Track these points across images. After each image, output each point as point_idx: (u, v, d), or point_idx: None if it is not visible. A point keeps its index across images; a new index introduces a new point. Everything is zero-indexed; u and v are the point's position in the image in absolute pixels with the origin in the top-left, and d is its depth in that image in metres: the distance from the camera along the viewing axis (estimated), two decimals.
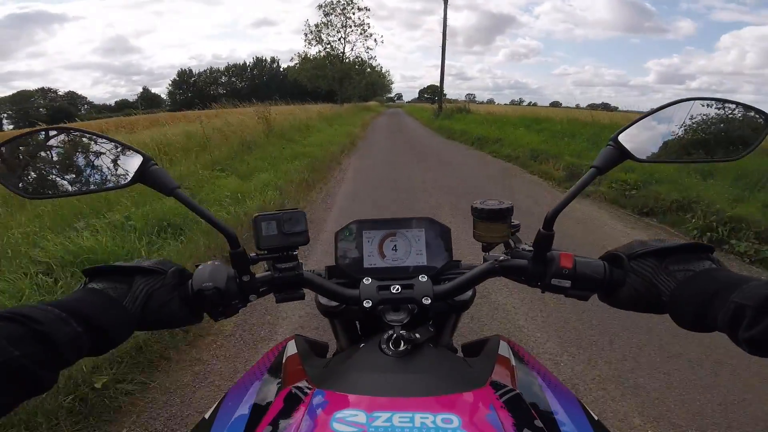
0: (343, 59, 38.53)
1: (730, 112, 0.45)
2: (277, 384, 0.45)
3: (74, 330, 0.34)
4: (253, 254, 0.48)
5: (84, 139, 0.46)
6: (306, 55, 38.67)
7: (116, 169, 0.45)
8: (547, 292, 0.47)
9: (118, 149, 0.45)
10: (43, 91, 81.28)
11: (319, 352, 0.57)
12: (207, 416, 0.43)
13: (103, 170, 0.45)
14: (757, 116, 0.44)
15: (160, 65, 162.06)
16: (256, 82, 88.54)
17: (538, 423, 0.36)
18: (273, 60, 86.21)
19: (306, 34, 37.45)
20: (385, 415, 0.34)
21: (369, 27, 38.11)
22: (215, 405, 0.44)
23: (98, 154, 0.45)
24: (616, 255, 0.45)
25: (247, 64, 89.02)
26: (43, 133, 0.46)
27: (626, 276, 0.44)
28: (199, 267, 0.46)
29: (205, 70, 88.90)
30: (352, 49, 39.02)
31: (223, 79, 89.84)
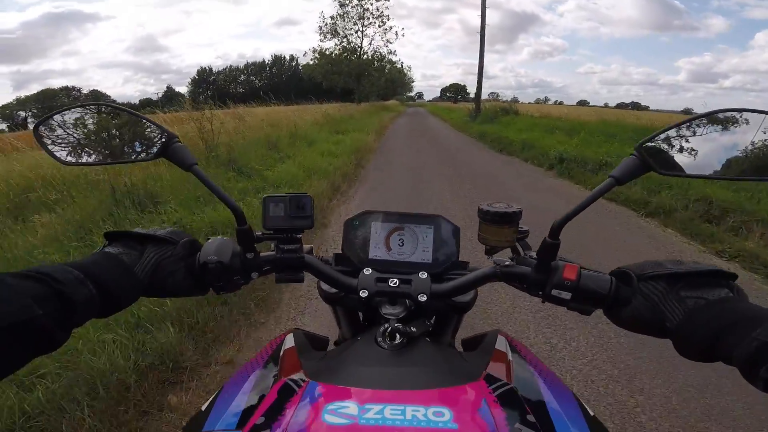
0: (360, 54, 35.14)
1: None
2: (273, 376, 0.45)
3: (90, 291, 0.35)
4: (258, 233, 0.49)
5: (117, 114, 0.49)
6: (321, 50, 35.49)
7: (143, 144, 0.48)
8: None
9: (146, 125, 0.48)
10: (67, 90, 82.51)
11: (318, 345, 0.57)
12: (203, 408, 0.43)
13: (132, 144, 0.49)
14: None
15: (188, 64, 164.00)
16: (275, 80, 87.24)
17: (531, 418, 0.35)
18: (292, 58, 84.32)
19: (321, 27, 34.30)
20: (377, 407, 0.34)
21: (388, 19, 34.58)
22: (212, 397, 0.44)
23: (128, 129, 0.49)
24: (625, 272, 0.43)
25: (266, 62, 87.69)
26: (82, 107, 0.48)
27: (633, 296, 0.42)
28: (209, 240, 0.47)
29: (224, 69, 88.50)
30: (370, 43, 35.58)
31: (242, 77, 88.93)
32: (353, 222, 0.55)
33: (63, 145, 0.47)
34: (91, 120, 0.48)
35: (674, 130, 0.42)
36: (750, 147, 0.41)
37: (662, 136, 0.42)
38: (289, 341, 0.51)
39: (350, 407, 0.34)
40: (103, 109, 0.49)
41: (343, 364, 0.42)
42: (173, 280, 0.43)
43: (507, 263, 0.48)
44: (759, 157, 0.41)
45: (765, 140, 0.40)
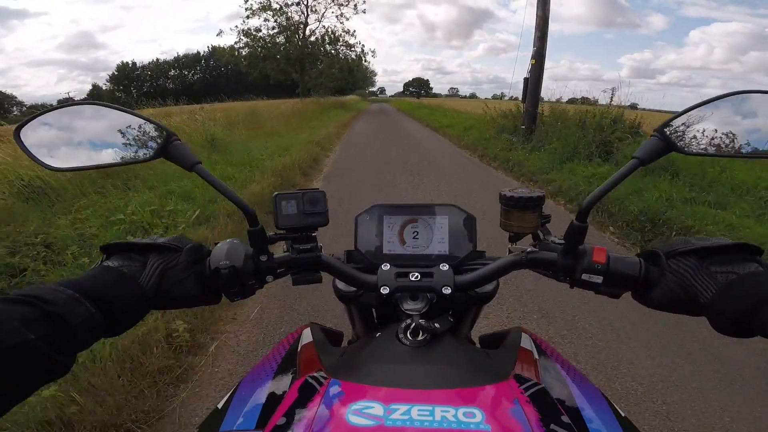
0: (305, 35, 25.98)
1: None
2: (292, 373, 0.44)
3: (88, 310, 0.33)
4: (271, 233, 0.47)
5: (111, 113, 0.45)
6: (249, 31, 25.90)
7: (140, 144, 0.45)
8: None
9: (144, 124, 0.45)
10: None
11: (334, 340, 0.56)
12: (220, 406, 0.42)
13: (128, 144, 0.45)
14: None
15: (129, 61, 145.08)
16: (213, 74, 75.24)
17: (565, 418, 0.34)
18: (232, 49, 72.58)
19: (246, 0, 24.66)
20: (404, 407, 0.33)
21: None
22: (228, 394, 0.43)
23: (124, 129, 0.45)
24: (653, 252, 0.43)
25: (201, 54, 75.30)
26: (72, 107, 0.45)
27: (662, 275, 0.41)
28: (218, 245, 0.45)
29: (150, 63, 75.05)
30: (318, 20, 26.45)
31: (173, 72, 75.98)
32: (364, 217, 0.54)
33: (50, 149, 0.43)
34: (81, 120, 0.45)
35: (695, 111, 0.43)
36: None
37: (683, 117, 0.43)
38: (307, 336, 0.51)
39: (375, 407, 0.33)
40: (93, 108, 0.45)
41: (364, 362, 0.40)
42: (182, 289, 0.41)
43: (530, 250, 0.47)
44: None
45: None
